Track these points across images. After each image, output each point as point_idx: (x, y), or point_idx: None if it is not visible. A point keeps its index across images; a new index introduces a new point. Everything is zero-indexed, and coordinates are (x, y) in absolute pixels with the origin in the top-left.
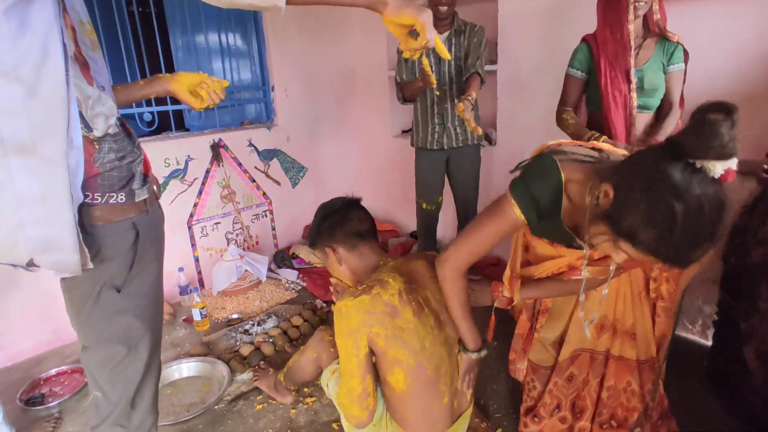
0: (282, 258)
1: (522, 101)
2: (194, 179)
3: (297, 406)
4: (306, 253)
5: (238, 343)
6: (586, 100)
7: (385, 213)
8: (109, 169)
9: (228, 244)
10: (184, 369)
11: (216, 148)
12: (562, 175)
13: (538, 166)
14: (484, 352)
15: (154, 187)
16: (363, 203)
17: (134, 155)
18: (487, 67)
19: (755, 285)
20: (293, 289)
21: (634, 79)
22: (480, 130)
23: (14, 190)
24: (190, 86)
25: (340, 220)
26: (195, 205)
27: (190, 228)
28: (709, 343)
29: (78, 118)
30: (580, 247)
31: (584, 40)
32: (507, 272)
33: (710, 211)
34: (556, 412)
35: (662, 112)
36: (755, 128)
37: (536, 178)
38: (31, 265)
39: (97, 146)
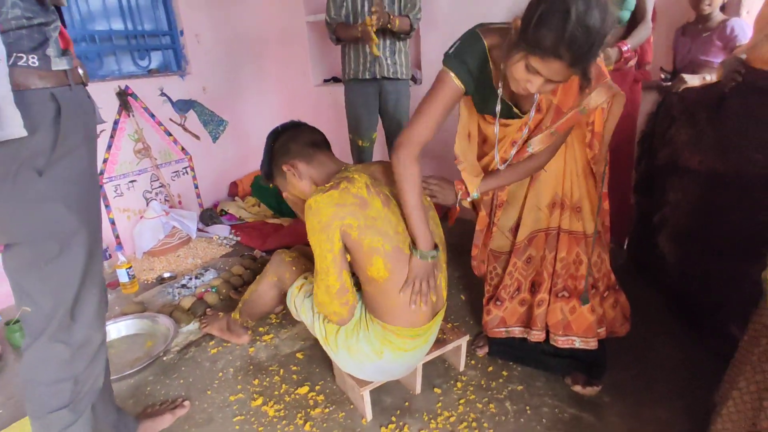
0: (210, 216)
1: (444, 40)
2: (100, 131)
3: (254, 344)
4: (236, 209)
5: (176, 298)
6: None
7: None
8: (14, 27)
9: (147, 204)
10: (122, 328)
11: (123, 96)
12: (484, 41)
13: (463, 38)
14: (436, 252)
15: (80, 71)
16: None
17: (47, 18)
18: None
19: (664, 181)
20: (227, 244)
21: None
22: (377, 51)
23: None
24: None
25: (292, 135)
26: (105, 160)
27: (101, 187)
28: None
29: None
30: (518, 116)
31: None
32: (463, 167)
33: (598, 6)
34: (516, 294)
35: (634, 24)
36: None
37: (463, 48)
38: None
39: None
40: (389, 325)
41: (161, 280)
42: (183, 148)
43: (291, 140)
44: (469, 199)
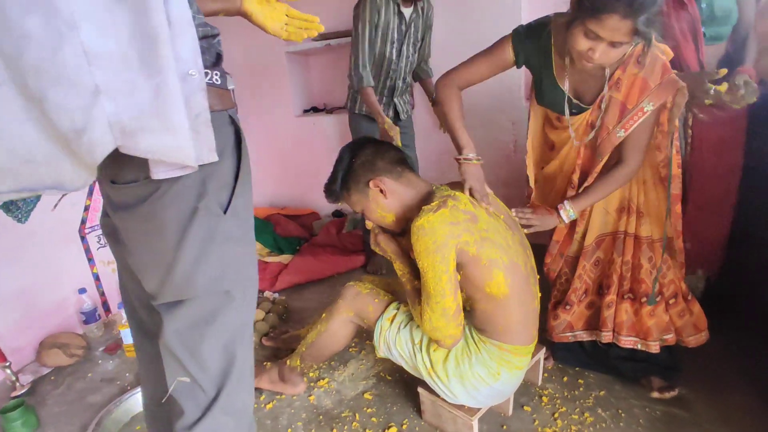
0: None
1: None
2: None
3: (313, 392)
4: None
5: None
6: None
7: (297, 197)
8: (201, 36)
9: None
10: None
11: None
12: (551, 25)
13: (535, 20)
14: (481, 160)
15: None
16: (268, 188)
17: (217, 31)
18: None
19: None
20: None
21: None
22: (399, 143)
23: (80, 42)
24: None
25: (377, 151)
26: (86, 208)
27: (83, 238)
28: None
29: None
30: (579, 111)
31: None
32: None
33: None
34: (584, 297)
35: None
36: None
37: (531, 26)
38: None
39: None
40: (506, 344)
41: None
42: None
43: (377, 156)
44: (567, 221)
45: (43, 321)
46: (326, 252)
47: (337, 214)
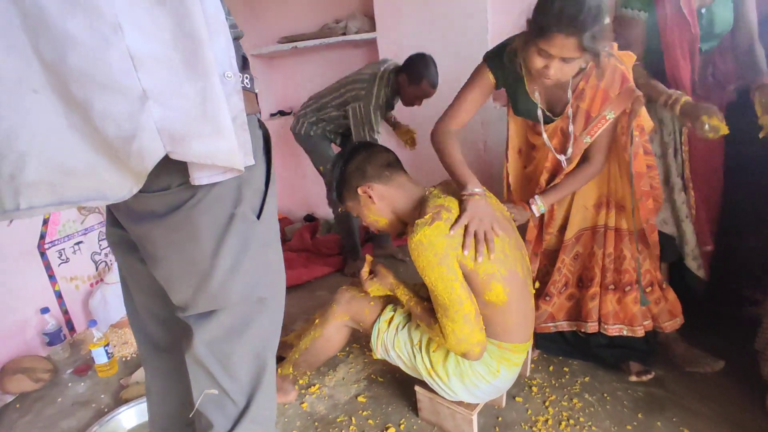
0: None
1: None
2: None
3: (305, 399)
4: None
5: None
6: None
7: None
8: (234, 36)
9: (97, 268)
10: (133, 414)
11: None
12: (515, 38)
13: (503, 41)
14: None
15: None
16: None
17: (242, 34)
18: (367, 35)
19: None
20: None
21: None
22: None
23: (125, 46)
24: None
25: (367, 156)
26: (45, 222)
27: (43, 255)
28: None
29: None
30: (549, 120)
31: None
32: (510, 188)
33: None
34: (564, 290)
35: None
36: None
37: (500, 48)
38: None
39: None
40: (505, 343)
41: None
42: None
43: (366, 162)
44: (537, 215)
45: (2, 345)
46: (302, 257)
47: (309, 218)
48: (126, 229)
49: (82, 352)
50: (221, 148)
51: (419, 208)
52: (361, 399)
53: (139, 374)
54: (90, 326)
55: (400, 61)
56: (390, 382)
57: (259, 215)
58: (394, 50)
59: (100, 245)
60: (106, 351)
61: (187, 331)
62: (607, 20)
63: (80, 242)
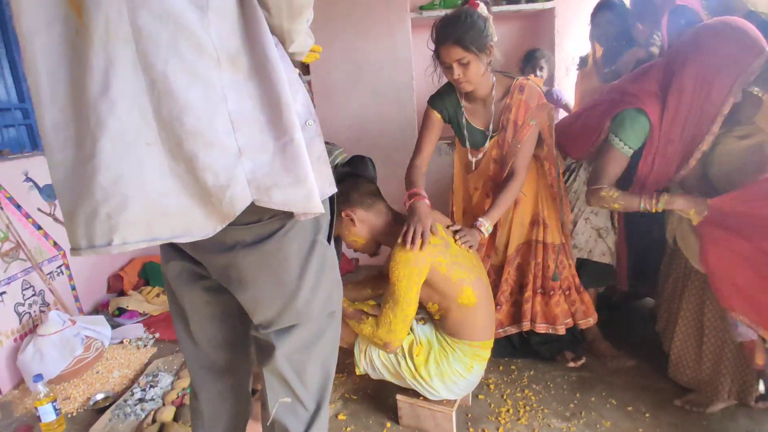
0: (108, 319)
1: (334, 109)
2: None
3: None
4: (137, 303)
5: (141, 416)
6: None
7: None
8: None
9: (21, 321)
10: None
11: None
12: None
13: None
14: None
15: None
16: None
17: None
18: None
19: None
20: (144, 345)
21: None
22: None
23: (227, 111)
24: None
25: (353, 184)
26: None
27: None
28: None
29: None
30: (491, 138)
31: (638, 108)
32: (457, 210)
33: (447, 16)
34: (509, 298)
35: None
36: None
37: (439, 89)
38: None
39: None
40: (476, 342)
41: (95, 405)
42: (55, 243)
43: (352, 189)
44: (486, 235)
45: None
46: None
47: None
48: (199, 261)
49: (16, 413)
50: (299, 196)
51: (398, 229)
52: (341, 417)
53: (96, 428)
54: (35, 381)
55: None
56: (364, 398)
57: (329, 239)
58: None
59: (24, 295)
60: (54, 407)
61: (265, 347)
62: (482, 25)
63: (2, 293)
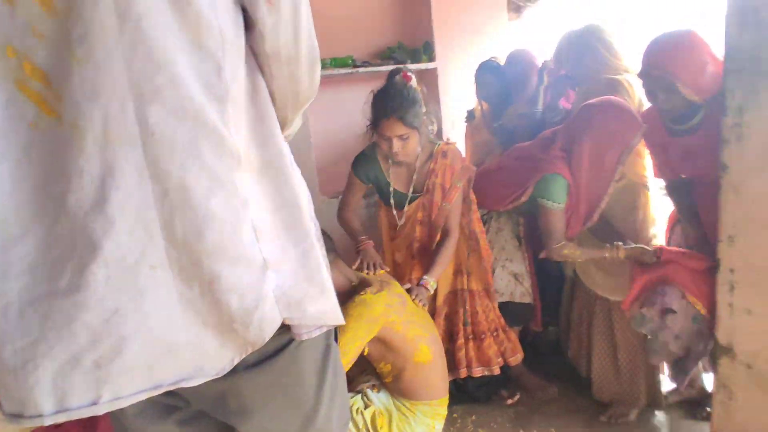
0: None
1: None
2: None
3: None
4: None
5: None
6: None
7: None
8: None
9: None
10: None
11: None
12: (376, 148)
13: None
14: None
15: None
16: None
17: None
18: None
19: None
20: None
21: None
22: None
23: (250, 219)
24: None
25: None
26: None
27: None
28: None
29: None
30: (413, 200)
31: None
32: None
33: (388, 90)
34: None
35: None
36: None
37: (362, 152)
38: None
39: None
40: (434, 401)
41: None
42: None
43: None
44: (432, 291)
45: None
46: None
47: None
48: (177, 390)
49: None
50: (328, 307)
51: (357, 285)
52: None
53: None
54: None
55: None
56: None
57: (336, 339)
58: None
59: None
60: None
61: None
62: (420, 105)
63: None
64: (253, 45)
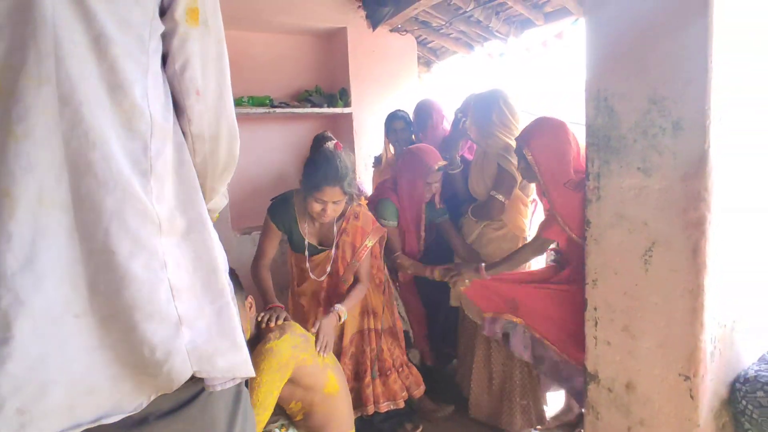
0: None
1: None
2: None
3: None
4: None
5: None
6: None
7: None
8: None
9: None
10: None
11: None
12: (293, 199)
13: (279, 197)
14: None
15: None
16: None
17: None
18: None
19: None
20: None
21: None
22: None
23: (167, 279)
24: None
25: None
26: None
27: None
28: None
29: None
30: (321, 252)
31: (384, 198)
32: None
33: (328, 157)
34: (347, 386)
35: None
36: None
37: (278, 199)
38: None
39: None
40: None
41: None
42: None
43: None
44: (343, 319)
45: None
46: None
47: None
48: None
49: None
50: (239, 360)
51: (252, 336)
52: None
53: None
54: None
55: None
56: None
57: (246, 383)
58: None
59: None
60: None
61: None
62: (354, 174)
63: None
64: (182, 125)
